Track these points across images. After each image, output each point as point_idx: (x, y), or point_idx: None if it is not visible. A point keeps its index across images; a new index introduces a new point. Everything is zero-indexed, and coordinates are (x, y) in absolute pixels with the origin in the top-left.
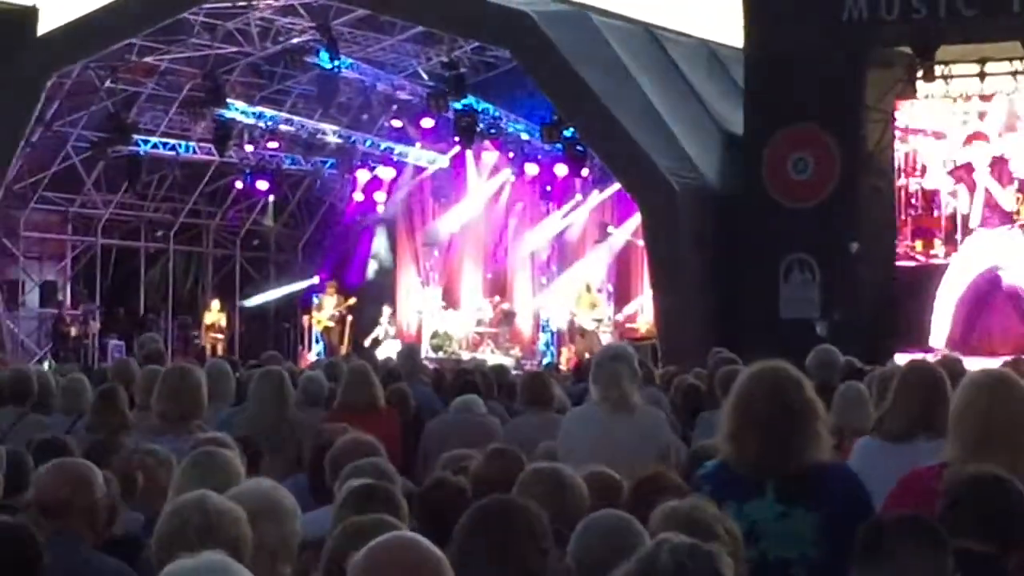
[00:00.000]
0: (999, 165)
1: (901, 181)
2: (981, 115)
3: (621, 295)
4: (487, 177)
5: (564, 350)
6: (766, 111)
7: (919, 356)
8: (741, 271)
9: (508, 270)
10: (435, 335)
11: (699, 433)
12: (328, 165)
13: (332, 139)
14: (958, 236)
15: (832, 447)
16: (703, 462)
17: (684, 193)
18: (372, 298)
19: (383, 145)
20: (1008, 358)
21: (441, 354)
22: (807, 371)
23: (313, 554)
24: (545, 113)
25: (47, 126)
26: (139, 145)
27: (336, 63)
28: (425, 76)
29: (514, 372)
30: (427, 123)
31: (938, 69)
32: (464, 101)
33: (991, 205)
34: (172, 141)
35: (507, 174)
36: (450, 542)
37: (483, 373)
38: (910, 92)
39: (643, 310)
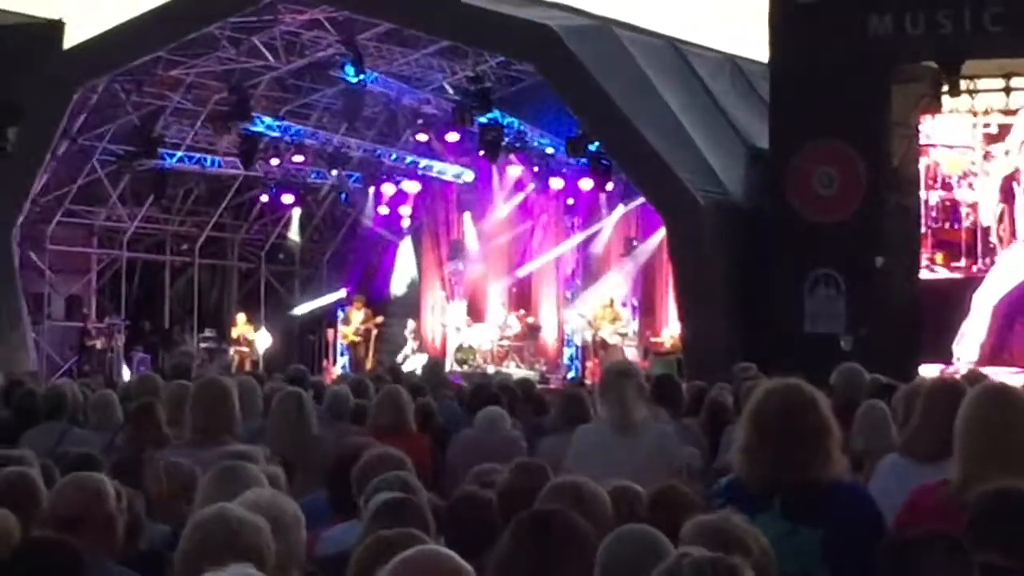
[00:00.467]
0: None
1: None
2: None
3: (646, 309)
4: (512, 191)
5: (589, 364)
6: (791, 126)
7: (945, 371)
8: (766, 286)
9: (533, 284)
10: (460, 349)
11: (723, 449)
12: (353, 179)
13: (357, 153)
14: (979, 248)
15: (846, 467)
16: (723, 476)
17: (709, 208)
18: (397, 312)
19: (408, 159)
20: None
21: (466, 368)
22: (832, 388)
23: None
24: (570, 127)
25: (73, 139)
26: (165, 159)
27: (362, 77)
28: (450, 90)
29: (539, 386)
30: (452, 137)
31: (963, 84)
32: (489, 115)
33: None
34: (198, 155)
35: (532, 188)
36: (492, 552)
37: (509, 387)
38: (935, 107)
39: (668, 324)
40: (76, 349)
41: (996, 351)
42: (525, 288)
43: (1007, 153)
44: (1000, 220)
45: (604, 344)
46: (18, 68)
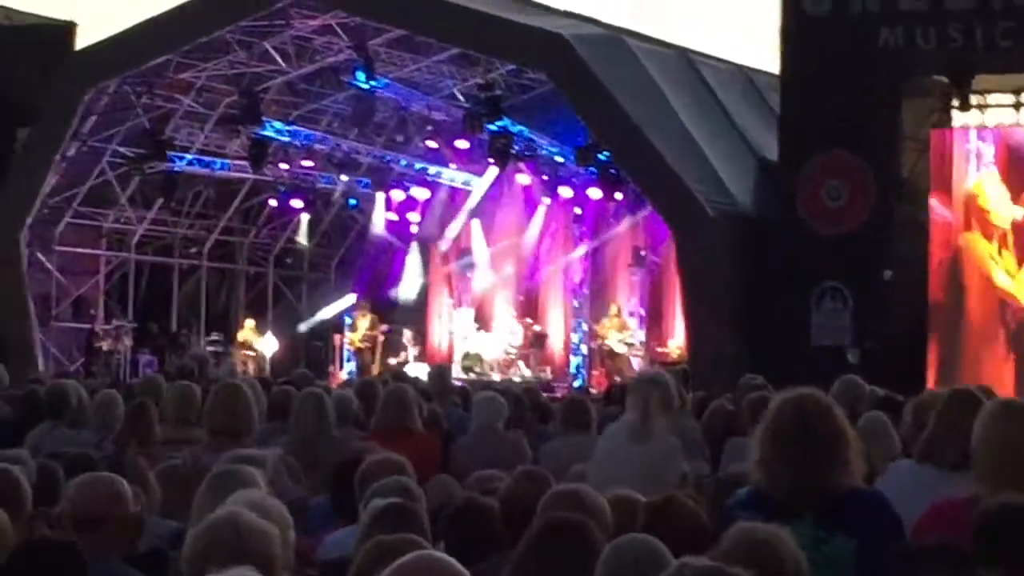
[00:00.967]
0: None
1: None
2: None
3: (653, 319)
4: (521, 199)
5: (595, 373)
6: (801, 137)
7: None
8: (773, 297)
9: (540, 292)
10: (466, 356)
11: (727, 459)
12: (362, 184)
13: (367, 158)
14: None
15: (864, 473)
16: (731, 490)
17: (718, 218)
18: (403, 318)
19: (417, 165)
20: None
21: (472, 375)
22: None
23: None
24: (580, 136)
25: (83, 141)
26: (174, 161)
27: (372, 83)
28: (461, 97)
29: (544, 395)
30: (462, 144)
31: (974, 99)
32: (499, 123)
33: None
34: (207, 158)
35: (541, 196)
36: (506, 557)
37: (513, 394)
38: (945, 121)
39: (675, 335)
40: (83, 351)
41: None
42: (532, 296)
43: None
44: None
45: (612, 354)
46: (29, 69)
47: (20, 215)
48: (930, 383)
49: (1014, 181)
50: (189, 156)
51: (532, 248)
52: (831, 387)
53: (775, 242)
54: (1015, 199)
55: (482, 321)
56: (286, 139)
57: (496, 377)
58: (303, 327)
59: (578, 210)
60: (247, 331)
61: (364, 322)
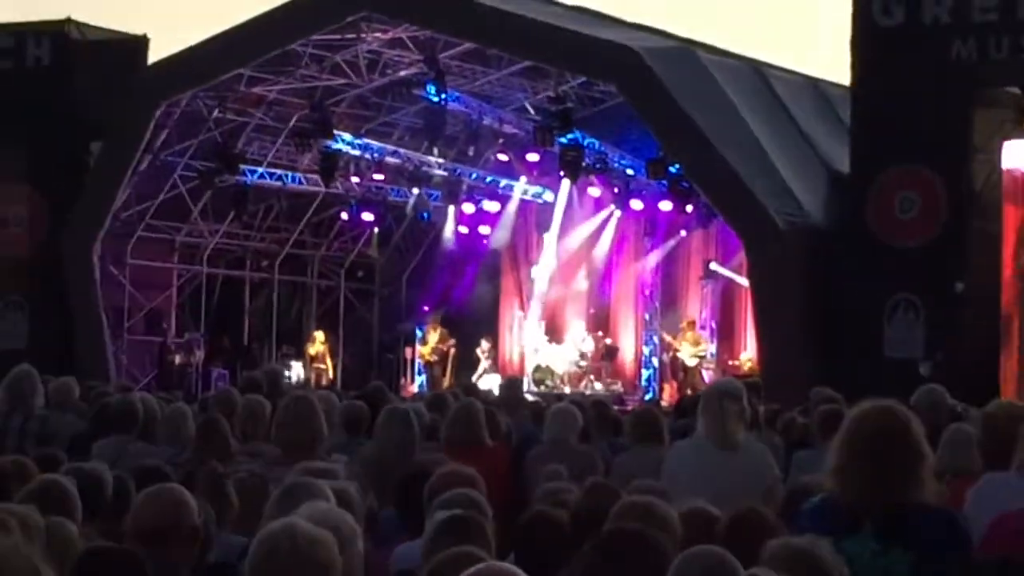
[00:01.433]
0: None
1: None
2: None
3: (724, 332)
4: (592, 212)
5: (666, 386)
6: (872, 149)
7: None
8: (846, 310)
9: (612, 305)
10: (537, 369)
11: (795, 471)
12: (433, 197)
13: (438, 171)
14: None
15: (937, 491)
16: (799, 500)
17: (789, 231)
18: (475, 331)
19: (488, 178)
20: None
21: (543, 388)
22: (914, 411)
23: None
24: (650, 149)
25: (155, 155)
26: (246, 175)
27: (443, 96)
28: (531, 110)
29: (615, 407)
30: (533, 157)
31: None
32: (570, 135)
33: None
34: (279, 171)
35: (612, 209)
36: (566, 570)
37: (584, 407)
38: (1018, 132)
39: (747, 347)
40: (156, 364)
41: None
42: (603, 309)
43: None
44: None
45: (684, 367)
46: (103, 83)
47: (93, 228)
48: (1004, 396)
49: None
50: (260, 169)
51: (603, 261)
52: (905, 400)
53: (846, 255)
54: None
55: (553, 334)
56: (357, 152)
57: (567, 390)
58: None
59: (649, 222)
60: (318, 344)
61: (434, 335)
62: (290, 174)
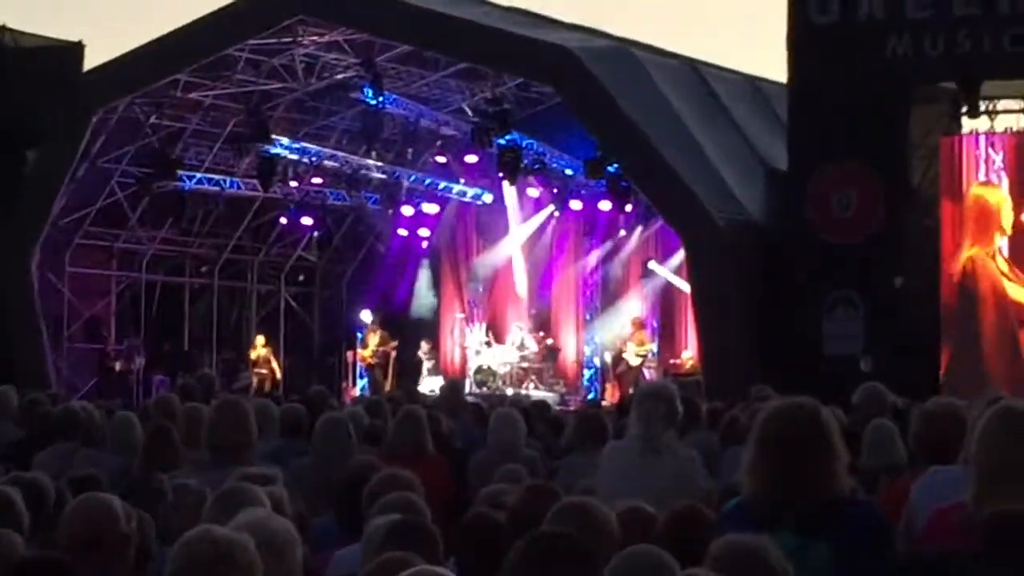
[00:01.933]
0: None
1: None
2: None
3: (666, 331)
4: (531, 213)
5: (608, 386)
6: (809, 147)
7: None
8: (785, 307)
9: (552, 306)
10: (479, 370)
11: (726, 469)
12: (372, 201)
13: (376, 175)
14: None
15: (850, 485)
16: (730, 498)
17: (728, 229)
18: (416, 333)
19: (427, 180)
20: None
21: (485, 389)
22: (855, 408)
23: None
24: (589, 149)
25: (92, 162)
26: (184, 181)
27: (380, 99)
28: (469, 112)
29: (557, 408)
30: (471, 159)
31: (983, 104)
32: (508, 137)
33: None
34: (217, 176)
35: (551, 210)
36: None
37: (525, 409)
38: (955, 128)
39: (688, 346)
40: (96, 371)
41: None
42: (545, 310)
43: None
44: None
45: (627, 367)
46: (38, 91)
47: (31, 237)
48: (943, 391)
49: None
50: (198, 175)
51: (543, 262)
52: (847, 396)
53: (786, 252)
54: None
55: (494, 335)
56: (295, 156)
57: (509, 391)
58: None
59: (588, 222)
60: (259, 348)
61: (375, 338)
62: (228, 179)
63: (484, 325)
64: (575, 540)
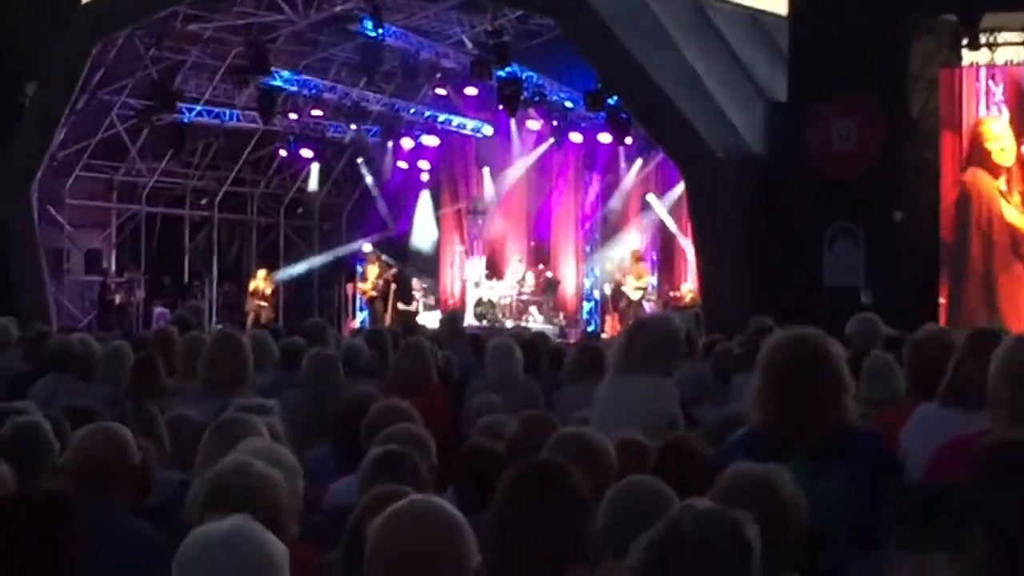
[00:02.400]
0: None
1: None
2: None
3: (665, 263)
4: (531, 145)
5: (608, 318)
6: (809, 79)
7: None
8: (785, 239)
9: (552, 239)
10: (479, 303)
11: (733, 399)
12: (372, 133)
13: (376, 107)
14: None
15: (857, 415)
16: (733, 428)
17: (728, 161)
18: (416, 266)
19: (427, 113)
20: None
21: (485, 322)
22: (849, 339)
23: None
24: (589, 81)
25: (92, 94)
26: (184, 113)
27: (380, 31)
28: (469, 44)
29: (557, 340)
30: (471, 91)
31: (983, 37)
32: (508, 69)
33: None
34: (217, 109)
35: (551, 142)
36: (491, 504)
37: (531, 340)
38: (955, 60)
39: (687, 278)
40: (96, 304)
41: None
42: (544, 243)
43: None
44: None
45: (628, 300)
46: (37, 22)
47: (30, 169)
48: (942, 322)
49: (1023, 119)
50: (198, 107)
51: (543, 194)
52: (846, 327)
53: (785, 184)
54: (1022, 136)
55: (494, 268)
56: (295, 89)
57: (509, 324)
58: (281, 276)
59: (588, 155)
60: (259, 280)
61: (374, 269)
62: (228, 111)
63: (484, 258)
64: (562, 469)
